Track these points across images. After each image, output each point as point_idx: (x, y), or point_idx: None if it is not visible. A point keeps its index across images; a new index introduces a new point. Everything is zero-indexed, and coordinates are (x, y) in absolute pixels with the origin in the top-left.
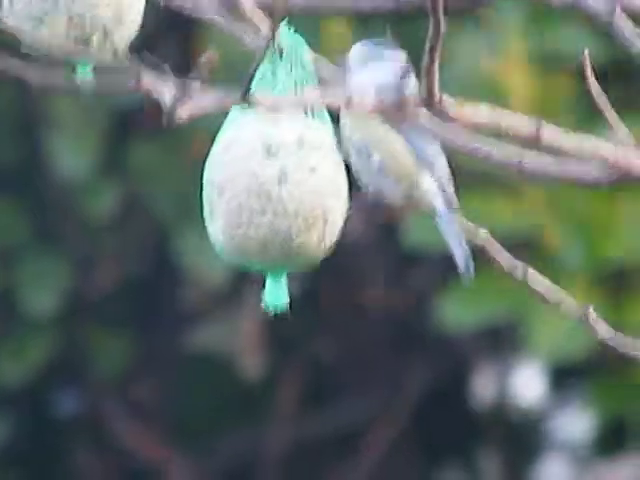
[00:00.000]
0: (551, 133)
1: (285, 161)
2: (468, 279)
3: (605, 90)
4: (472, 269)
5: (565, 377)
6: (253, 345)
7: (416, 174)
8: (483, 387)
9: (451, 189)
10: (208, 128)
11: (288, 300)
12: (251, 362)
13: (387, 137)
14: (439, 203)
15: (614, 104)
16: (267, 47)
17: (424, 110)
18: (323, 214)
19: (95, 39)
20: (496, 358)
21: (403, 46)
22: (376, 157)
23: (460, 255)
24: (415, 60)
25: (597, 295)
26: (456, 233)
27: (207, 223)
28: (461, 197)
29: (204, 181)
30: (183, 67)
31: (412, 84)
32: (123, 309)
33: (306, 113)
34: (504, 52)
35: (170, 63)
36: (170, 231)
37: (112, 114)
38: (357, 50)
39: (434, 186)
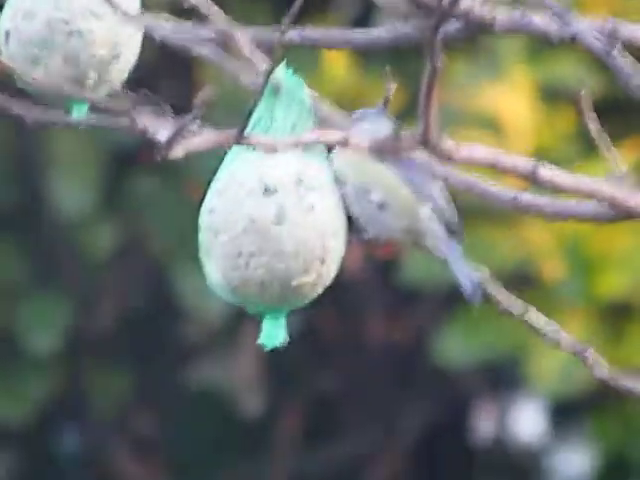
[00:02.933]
0: (548, 171)
1: (283, 200)
2: (475, 303)
3: (604, 123)
4: (479, 294)
5: (565, 413)
6: (252, 381)
7: (416, 207)
8: (483, 423)
9: (454, 217)
10: (208, 165)
11: (286, 339)
12: (251, 398)
13: (384, 174)
14: (441, 232)
15: (613, 136)
16: (264, 86)
17: (420, 148)
18: (321, 255)
19: (90, 78)
20: (496, 394)
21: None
22: (375, 195)
23: (466, 280)
24: (414, 95)
25: (596, 328)
26: (460, 259)
27: (204, 263)
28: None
29: (200, 223)
30: (182, 103)
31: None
32: (123, 346)
33: (304, 152)
34: (504, 82)
35: (169, 99)
36: (169, 267)
37: (110, 151)
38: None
39: (434, 217)
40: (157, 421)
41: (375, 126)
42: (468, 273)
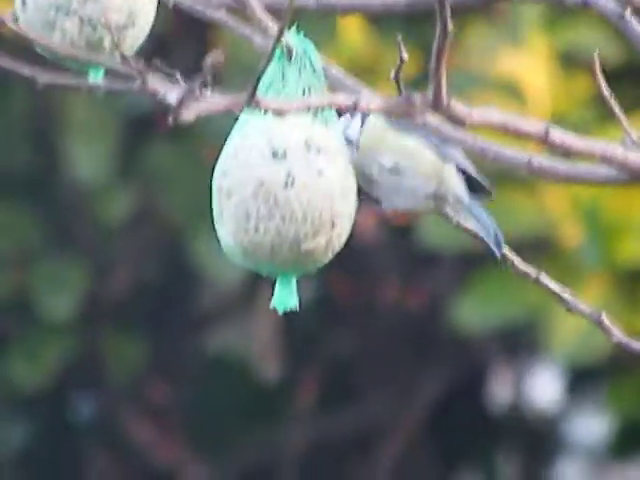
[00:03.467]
0: (560, 134)
1: (292, 164)
2: (499, 257)
3: (620, 89)
4: (502, 247)
5: (582, 379)
6: (269, 347)
7: (440, 167)
8: (500, 389)
9: (478, 174)
10: (221, 131)
11: (298, 302)
12: (267, 364)
13: (400, 140)
14: (465, 192)
15: (630, 103)
16: (275, 49)
17: (432, 111)
18: (331, 218)
19: (106, 43)
20: (512, 359)
21: (416, 46)
22: (387, 160)
23: (491, 236)
24: (428, 59)
25: (613, 294)
26: (485, 216)
27: (216, 227)
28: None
29: (213, 186)
30: (196, 68)
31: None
32: (139, 312)
33: (314, 116)
34: (522, 48)
35: (182, 64)
36: (185, 234)
37: (127, 118)
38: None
39: (459, 176)
40: (173, 388)
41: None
42: (492, 225)
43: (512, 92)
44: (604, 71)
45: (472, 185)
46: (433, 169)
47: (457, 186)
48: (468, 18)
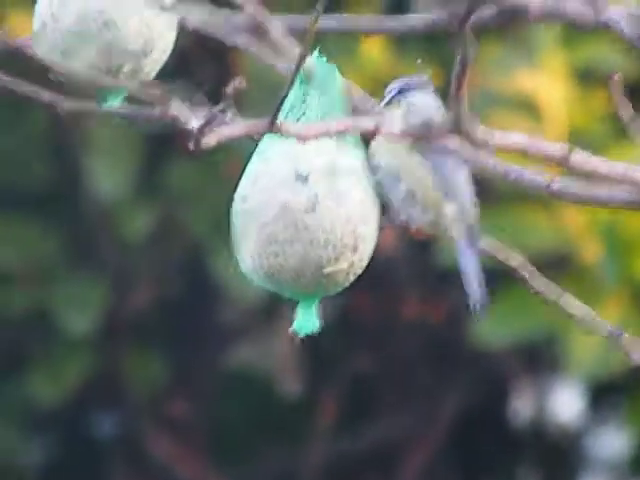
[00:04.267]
0: (581, 157)
1: (315, 188)
2: (479, 315)
3: (638, 105)
4: (485, 306)
5: (603, 395)
6: (289, 363)
7: (441, 204)
8: (521, 404)
9: (475, 221)
10: (243, 148)
11: (319, 325)
12: (288, 380)
13: (415, 166)
14: (459, 236)
15: None
16: (296, 74)
17: (453, 135)
18: (353, 242)
19: (125, 69)
20: (534, 375)
21: (435, 64)
22: (403, 186)
23: (475, 292)
24: (447, 77)
25: (632, 310)
26: (473, 269)
27: (236, 250)
28: (497, 214)
29: (233, 208)
30: (216, 92)
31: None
32: (159, 329)
33: (336, 140)
34: (539, 66)
35: (203, 88)
36: (205, 250)
37: (147, 136)
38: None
39: (457, 218)
40: (193, 404)
41: (423, 100)
42: (479, 286)
43: (529, 110)
44: (621, 87)
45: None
46: (432, 203)
47: (453, 228)
48: (485, 37)
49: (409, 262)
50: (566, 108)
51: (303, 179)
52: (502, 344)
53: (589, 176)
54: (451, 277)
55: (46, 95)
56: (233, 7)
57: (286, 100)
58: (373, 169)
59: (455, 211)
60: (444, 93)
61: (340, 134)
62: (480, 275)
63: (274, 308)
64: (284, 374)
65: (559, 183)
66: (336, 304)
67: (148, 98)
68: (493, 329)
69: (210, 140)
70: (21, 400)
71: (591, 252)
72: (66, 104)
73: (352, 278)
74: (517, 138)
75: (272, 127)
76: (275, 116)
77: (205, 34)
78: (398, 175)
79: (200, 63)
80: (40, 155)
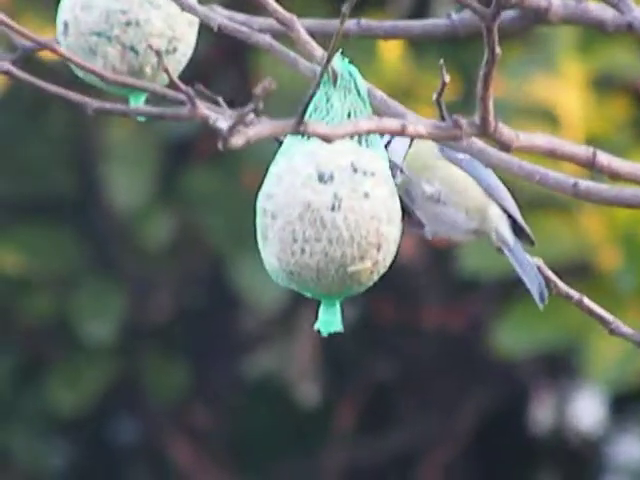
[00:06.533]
0: (607, 158)
1: (339, 187)
2: (543, 306)
3: None
4: (546, 298)
5: (624, 402)
6: (308, 370)
7: (486, 206)
8: (541, 412)
9: (521, 218)
10: (261, 156)
11: (342, 325)
12: (307, 387)
13: (454, 173)
14: (509, 235)
15: None
16: (321, 75)
17: (479, 136)
18: (377, 241)
19: (148, 69)
20: (554, 382)
21: (454, 71)
22: (429, 188)
23: (535, 285)
24: (470, 83)
25: None
26: (529, 263)
27: (261, 249)
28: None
29: (257, 208)
30: (238, 92)
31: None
32: (179, 336)
33: (360, 141)
34: (558, 73)
35: (225, 89)
36: (225, 259)
37: (167, 142)
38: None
39: (504, 218)
40: (213, 412)
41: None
42: (538, 278)
43: (547, 118)
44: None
45: (514, 228)
46: (476, 206)
47: (501, 228)
48: (502, 44)
49: (430, 269)
50: (584, 115)
51: (327, 178)
52: (522, 352)
53: (613, 178)
54: (472, 284)
55: (74, 95)
56: (254, 8)
57: (311, 101)
58: (396, 169)
59: (500, 212)
60: (464, 98)
61: (365, 134)
62: (535, 268)
63: (293, 316)
64: (303, 382)
65: (585, 183)
66: (356, 311)
67: (174, 98)
68: (513, 337)
69: (238, 140)
70: (43, 407)
71: (610, 260)
72: (94, 104)
73: (376, 278)
74: (542, 139)
75: (299, 127)
76: (302, 116)
77: (227, 34)
78: (425, 176)
79: (221, 67)
80: (59, 163)
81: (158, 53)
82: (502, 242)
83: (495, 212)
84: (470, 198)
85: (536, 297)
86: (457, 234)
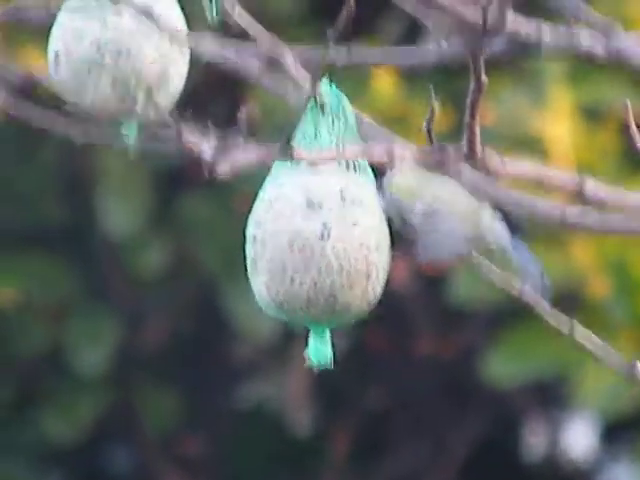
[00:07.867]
0: (595, 186)
1: (328, 215)
2: (547, 301)
3: None
4: (549, 290)
5: (616, 430)
6: (302, 399)
7: (477, 210)
8: (534, 440)
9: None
10: (254, 182)
11: (332, 356)
12: (300, 416)
13: (439, 190)
14: (504, 232)
15: None
16: (308, 103)
17: (466, 162)
18: (366, 269)
19: (139, 99)
20: (546, 410)
21: (446, 101)
22: (418, 206)
23: (537, 278)
24: (462, 114)
25: None
26: (530, 258)
27: (250, 278)
28: None
29: (247, 237)
30: (228, 122)
31: None
32: (172, 365)
33: (348, 168)
34: (547, 105)
35: (215, 119)
36: (219, 287)
37: (159, 170)
38: None
39: (497, 218)
40: (206, 441)
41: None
42: (537, 270)
43: (535, 148)
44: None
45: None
46: (467, 210)
47: (495, 226)
48: (491, 75)
49: (422, 297)
50: (573, 145)
51: (316, 206)
52: (514, 381)
53: (601, 206)
54: (464, 313)
55: (61, 125)
56: (244, 38)
57: (298, 128)
58: (385, 195)
59: (492, 213)
60: (456, 126)
61: (352, 161)
62: (537, 262)
63: (287, 345)
64: (297, 411)
65: (573, 212)
66: (349, 340)
67: (163, 130)
68: (505, 366)
69: (224, 167)
70: (35, 436)
71: (600, 288)
72: (81, 136)
73: (366, 307)
74: (529, 167)
75: (285, 152)
76: (288, 142)
77: (217, 65)
78: (416, 193)
79: (210, 97)
80: (52, 192)
81: (149, 89)
82: (498, 241)
83: (488, 212)
84: (458, 203)
85: (539, 292)
86: (454, 246)
